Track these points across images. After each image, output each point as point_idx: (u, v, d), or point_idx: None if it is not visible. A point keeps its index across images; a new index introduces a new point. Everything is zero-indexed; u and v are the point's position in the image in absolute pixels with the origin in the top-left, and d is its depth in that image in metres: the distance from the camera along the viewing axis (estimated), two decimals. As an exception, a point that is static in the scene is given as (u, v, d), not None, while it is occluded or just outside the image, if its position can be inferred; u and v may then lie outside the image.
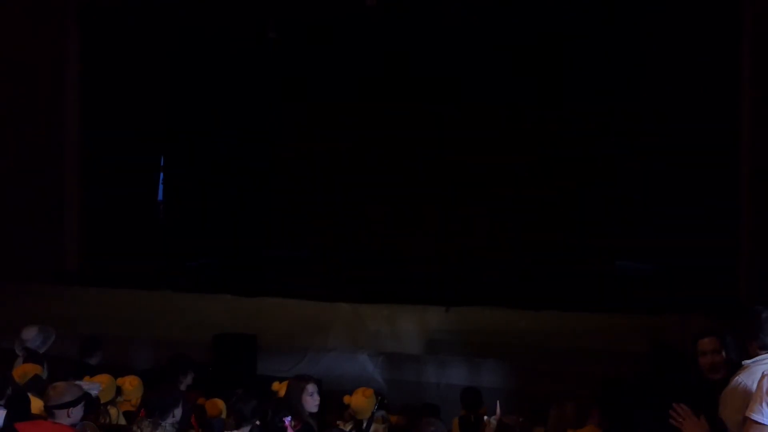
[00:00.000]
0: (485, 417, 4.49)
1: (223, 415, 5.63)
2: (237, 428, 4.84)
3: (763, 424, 3.71)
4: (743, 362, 4.22)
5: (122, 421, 5.55)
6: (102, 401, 5.59)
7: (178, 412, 4.83)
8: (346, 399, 5.79)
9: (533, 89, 14.02)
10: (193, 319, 9.09)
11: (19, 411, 4.85)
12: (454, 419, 5.85)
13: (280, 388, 5.58)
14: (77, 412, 4.72)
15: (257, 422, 4.73)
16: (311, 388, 5.06)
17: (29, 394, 5.28)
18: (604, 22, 11.54)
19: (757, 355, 4.18)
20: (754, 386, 3.87)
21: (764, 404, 3.73)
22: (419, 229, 15.19)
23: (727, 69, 9.61)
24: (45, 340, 6.99)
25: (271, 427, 4.55)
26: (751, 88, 9.17)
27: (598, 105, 14.07)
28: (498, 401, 4.75)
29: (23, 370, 6.21)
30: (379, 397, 5.84)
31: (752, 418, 3.74)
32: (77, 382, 5.72)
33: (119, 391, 5.93)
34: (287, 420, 4.50)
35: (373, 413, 5.61)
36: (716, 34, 9.80)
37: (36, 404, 5.30)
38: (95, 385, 5.68)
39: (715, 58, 9.82)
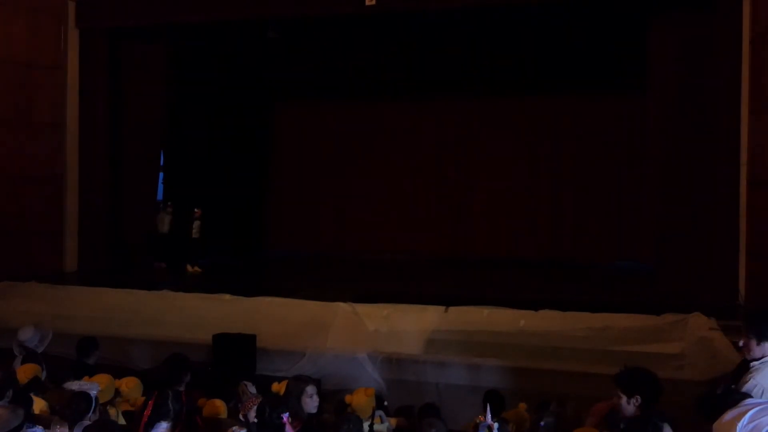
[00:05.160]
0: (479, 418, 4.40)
1: (223, 415, 5.62)
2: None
3: None
4: (752, 364, 4.21)
5: (122, 421, 5.53)
6: (101, 401, 5.57)
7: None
8: (347, 398, 5.78)
9: (529, 83, 14.05)
10: (193, 319, 9.07)
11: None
12: (471, 423, 5.78)
13: (279, 388, 5.56)
14: None
15: (255, 419, 4.68)
16: (311, 389, 5.02)
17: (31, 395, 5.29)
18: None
19: (765, 356, 4.17)
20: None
21: None
22: (420, 229, 15.21)
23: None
24: (42, 339, 6.99)
25: (269, 424, 4.50)
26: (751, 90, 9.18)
27: (599, 102, 14.11)
28: (488, 405, 4.67)
29: (23, 370, 6.21)
30: (379, 398, 5.83)
31: None
32: (76, 382, 5.73)
33: (118, 391, 5.91)
34: (285, 416, 4.46)
35: (374, 410, 5.58)
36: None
37: (38, 404, 5.30)
38: (94, 385, 5.66)
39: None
